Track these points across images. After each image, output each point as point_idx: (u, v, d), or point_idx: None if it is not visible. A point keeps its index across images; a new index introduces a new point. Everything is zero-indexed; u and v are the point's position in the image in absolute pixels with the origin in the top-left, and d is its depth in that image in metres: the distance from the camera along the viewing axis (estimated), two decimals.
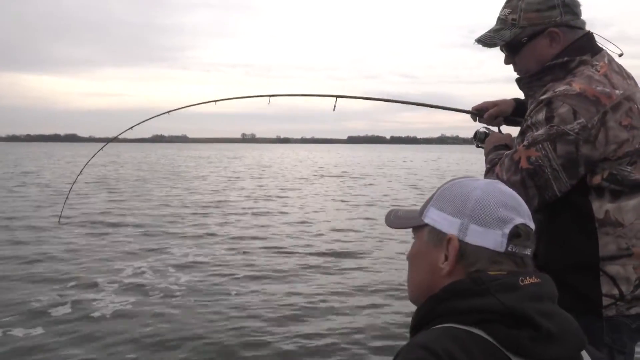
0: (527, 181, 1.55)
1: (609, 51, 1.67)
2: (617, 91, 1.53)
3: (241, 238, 8.83)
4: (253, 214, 11.88)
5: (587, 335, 1.49)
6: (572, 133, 1.48)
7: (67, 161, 40.79)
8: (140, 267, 6.67)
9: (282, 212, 12.18)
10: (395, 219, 1.06)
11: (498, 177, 1.61)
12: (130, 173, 26.10)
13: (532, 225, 0.93)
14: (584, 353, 0.90)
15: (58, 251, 7.56)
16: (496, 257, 0.89)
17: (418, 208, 1.03)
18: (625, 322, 1.56)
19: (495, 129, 1.96)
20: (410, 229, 1.02)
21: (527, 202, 1.56)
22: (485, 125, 1.96)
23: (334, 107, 2.23)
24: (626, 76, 1.63)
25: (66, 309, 5.07)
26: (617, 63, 1.66)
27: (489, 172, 1.70)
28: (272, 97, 2.48)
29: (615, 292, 1.53)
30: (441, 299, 0.88)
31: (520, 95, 1.90)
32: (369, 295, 5.67)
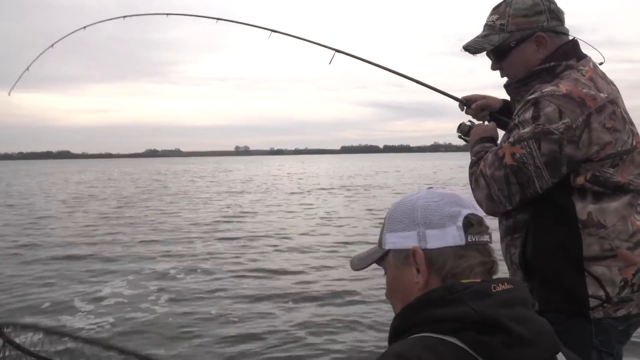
0: (510, 177, 1.57)
1: (592, 58, 1.71)
2: (602, 94, 1.56)
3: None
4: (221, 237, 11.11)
5: (576, 338, 1.51)
6: (556, 132, 1.51)
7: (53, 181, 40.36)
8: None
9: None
10: (359, 261, 1.09)
11: (482, 173, 1.64)
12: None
13: (480, 213, 0.98)
14: (559, 356, 0.90)
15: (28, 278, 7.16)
16: (460, 251, 0.93)
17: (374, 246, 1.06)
18: (613, 324, 1.57)
19: (479, 123, 1.96)
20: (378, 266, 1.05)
21: (508, 197, 1.61)
22: (470, 118, 1.98)
23: (330, 61, 2.19)
24: (609, 82, 1.67)
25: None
26: (600, 69, 1.69)
27: (474, 165, 1.71)
28: (272, 33, 2.49)
29: (602, 293, 1.54)
30: (415, 308, 0.90)
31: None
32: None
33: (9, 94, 3.17)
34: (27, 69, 3.13)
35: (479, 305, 0.84)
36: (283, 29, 2.43)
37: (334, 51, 2.22)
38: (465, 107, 2.00)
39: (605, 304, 1.54)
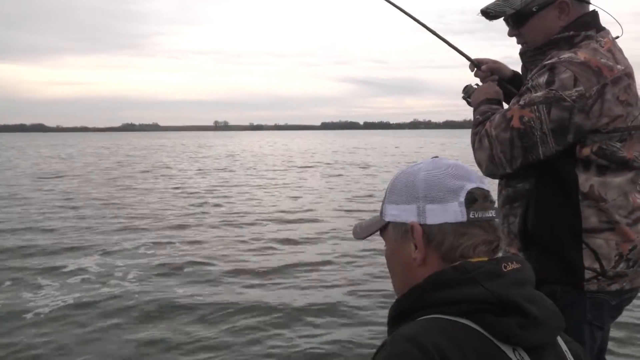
0: (515, 140, 1.55)
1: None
2: (619, 66, 1.55)
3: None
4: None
5: (570, 312, 1.52)
6: (568, 100, 1.49)
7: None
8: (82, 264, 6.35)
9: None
10: (361, 230, 1.05)
11: (487, 133, 1.62)
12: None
13: (487, 187, 0.93)
14: None
15: None
16: (461, 228, 0.88)
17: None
18: (606, 299, 1.59)
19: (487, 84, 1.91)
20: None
21: (509, 161, 1.58)
22: (478, 82, 1.93)
23: None
24: (625, 56, 1.64)
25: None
26: (618, 44, 1.66)
27: (479, 125, 1.68)
28: None
29: (597, 266, 1.55)
30: (425, 289, 0.86)
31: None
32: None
33: None
34: None
35: (493, 286, 0.81)
36: None
37: None
38: (475, 69, 1.94)
39: (599, 277, 1.55)
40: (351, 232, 1.10)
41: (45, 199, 12.06)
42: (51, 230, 8.42)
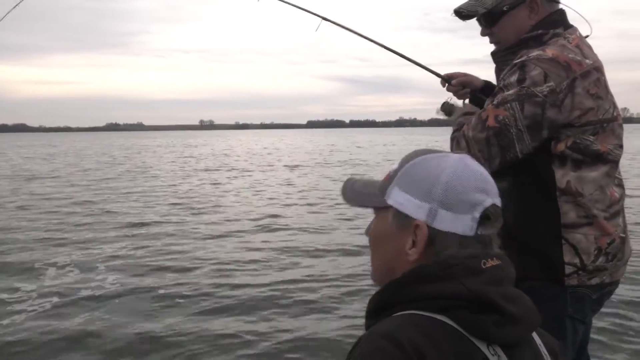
0: (491, 139, 1.58)
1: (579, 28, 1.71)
2: (587, 60, 1.58)
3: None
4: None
5: (551, 307, 1.54)
6: (540, 95, 1.52)
7: None
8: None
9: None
10: (354, 195, 0.98)
11: (464, 134, 1.64)
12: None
13: (500, 202, 0.90)
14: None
15: None
16: (465, 240, 0.86)
17: (375, 180, 0.98)
18: (587, 293, 1.61)
19: (460, 102, 1.97)
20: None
21: (488, 160, 1.60)
22: (451, 96, 1.97)
23: (317, 28, 2.18)
24: (594, 53, 1.67)
25: None
26: (586, 40, 1.69)
27: (456, 132, 1.71)
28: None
29: (577, 261, 1.57)
30: (404, 283, 0.85)
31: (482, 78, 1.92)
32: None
33: None
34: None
35: (471, 283, 0.81)
36: None
37: (321, 19, 2.18)
38: (446, 84, 1.98)
39: (580, 272, 1.57)
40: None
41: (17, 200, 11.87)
42: (21, 231, 8.29)
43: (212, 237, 7.71)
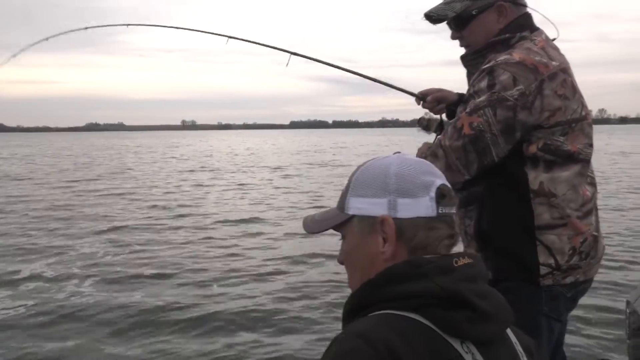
0: (467, 146, 1.59)
1: (546, 31, 1.74)
2: (553, 62, 1.61)
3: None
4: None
5: (527, 306, 1.55)
6: (511, 99, 1.54)
7: None
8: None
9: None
10: (314, 223, 1.02)
11: (440, 144, 1.66)
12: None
13: (449, 184, 0.95)
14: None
15: None
16: (431, 223, 0.89)
17: (332, 207, 1.00)
18: (561, 291, 1.63)
19: (437, 117, 1.99)
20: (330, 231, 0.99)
21: (466, 166, 1.62)
22: (427, 111, 2.00)
23: (287, 64, 2.23)
24: (561, 54, 1.70)
25: None
26: (552, 42, 1.73)
27: (428, 150, 1.70)
28: (230, 39, 2.52)
29: (552, 261, 1.58)
30: (377, 284, 0.86)
31: (459, 79, 1.94)
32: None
33: None
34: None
35: (443, 281, 0.82)
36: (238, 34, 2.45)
37: (289, 54, 2.26)
38: (421, 102, 2.01)
39: (554, 272, 1.59)
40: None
41: None
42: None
43: (192, 243, 7.60)
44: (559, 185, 1.59)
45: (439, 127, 1.94)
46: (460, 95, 1.97)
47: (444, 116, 1.97)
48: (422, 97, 2.00)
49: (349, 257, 0.97)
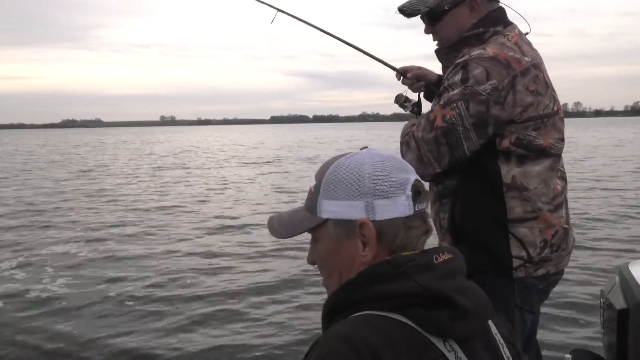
0: (440, 139, 1.60)
1: (519, 26, 1.75)
2: (526, 58, 1.62)
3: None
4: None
5: (500, 298, 1.56)
6: (484, 93, 1.55)
7: None
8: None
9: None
10: (283, 228, 0.97)
11: (413, 135, 1.67)
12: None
13: (420, 177, 0.93)
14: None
15: None
16: (408, 222, 0.88)
17: (298, 207, 0.97)
18: (534, 283, 1.65)
19: (415, 95, 1.98)
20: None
21: (437, 159, 1.62)
22: (406, 89, 1.99)
23: (272, 20, 2.09)
24: (533, 49, 1.72)
25: None
26: (525, 37, 1.74)
27: (405, 135, 1.72)
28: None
29: (524, 254, 1.60)
30: (357, 285, 0.84)
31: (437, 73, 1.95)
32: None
33: None
34: None
35: (424, 279, 0.81)
36: None
37: (276, 10, 2.11)
38: (402, 77, 2.00)
39: (527, 264, 1.61)
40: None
41: None
42: None
43: (172, 241, 7.50)
44: (530, 179, 1.61)
45: (416, 106, 1.94)
46: (440, 76, 1.97)
47: (422, 95, 1.97)
48: (402, 73, 1.99)
49: (325, 260, 0.94)
